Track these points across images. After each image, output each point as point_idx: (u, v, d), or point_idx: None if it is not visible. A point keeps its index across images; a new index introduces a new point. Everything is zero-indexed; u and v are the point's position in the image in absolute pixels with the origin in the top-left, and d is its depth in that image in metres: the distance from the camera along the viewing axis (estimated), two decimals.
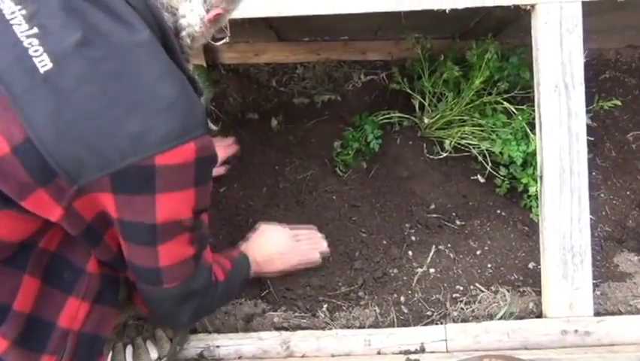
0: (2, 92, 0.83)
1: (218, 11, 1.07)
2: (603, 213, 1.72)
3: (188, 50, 1.09)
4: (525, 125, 1.64)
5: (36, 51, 0.84)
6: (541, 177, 1.40)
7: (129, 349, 1.30)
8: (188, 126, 0.91)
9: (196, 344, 1.36)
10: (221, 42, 1.19)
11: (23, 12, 0.87)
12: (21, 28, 0.86)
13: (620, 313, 1.43)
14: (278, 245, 1.45)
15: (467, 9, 1.41)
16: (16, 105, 0.83)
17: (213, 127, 1.26)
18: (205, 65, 1.98)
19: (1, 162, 0.84)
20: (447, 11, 1.40)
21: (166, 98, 0.90)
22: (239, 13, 1.21)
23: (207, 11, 1.05)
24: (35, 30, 0.86)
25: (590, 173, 1.79)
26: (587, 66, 2.06)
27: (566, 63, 1.40)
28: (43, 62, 0.84)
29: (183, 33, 1.05)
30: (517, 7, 1.41)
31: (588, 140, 1.89)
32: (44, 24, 0.86)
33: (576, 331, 1.35)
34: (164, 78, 0.91)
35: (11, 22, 0.86)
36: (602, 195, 1.76)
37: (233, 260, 1.31)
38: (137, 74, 0.89)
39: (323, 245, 1.53)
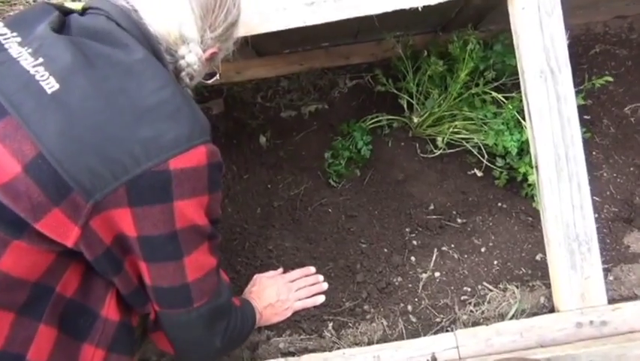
0: (12, 114, 0.84)
1: (213, 50, 1.11)
2: (608, 193, 1.65)
3: (188, 89, 1.12)
4: (516, 114, 1.59)
5: (42, 76, 0.87)
6: (536, 167, 1.34)
7: None
8: (196, 131, 0.94)
9: None
10: (213, 80, 1.23)
11: (29, 50, 0.90)
12: (27, 61, 0.89)
13: (636, 296, 1.38)
14: (279, 293, 1.44)
15: (441, 3, 1.36)
16: (26, 124, 0.84)
17: None
18: None
19: (13, 183, 0.83)
20: (420, 9, 1.36)
21: (171, 105, 0.92)
22: None
23: (204, 51, 1.09)
24: (40, 60, 0.89)
25: (590, 153, 1.76)
26: (576, 42, 2.03)
27: (549, 47, 1.34)
28: (50, 84, 0.86)
29: (183, 73, 1.08)
30: None
31: (585, 119, 1.86)
32: (48, 53, 0.89)
33: (591, 322, 1.29)
34: (165, 88, 0.93)
35: (18, 59, 0.89)
36: (605, 174, 1.70)
37: (240, 300, 1.31)
38: (139, 86, 0.91)
39: (322, 286, 1.51)
